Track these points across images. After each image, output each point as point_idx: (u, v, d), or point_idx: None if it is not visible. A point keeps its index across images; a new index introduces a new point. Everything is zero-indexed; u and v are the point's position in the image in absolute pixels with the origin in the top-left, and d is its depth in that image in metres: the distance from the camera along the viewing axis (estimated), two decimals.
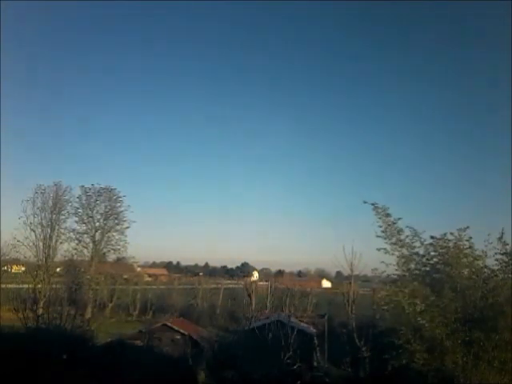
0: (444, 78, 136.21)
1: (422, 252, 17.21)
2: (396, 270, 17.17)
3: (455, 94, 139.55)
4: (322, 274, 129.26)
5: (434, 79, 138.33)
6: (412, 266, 17.17)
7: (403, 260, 16.98)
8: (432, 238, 17.10)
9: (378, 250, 16.89)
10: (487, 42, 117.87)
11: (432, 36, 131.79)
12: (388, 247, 17.01)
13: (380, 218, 17.31)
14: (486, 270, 16.53)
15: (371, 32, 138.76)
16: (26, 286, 53.34)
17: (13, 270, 59.38)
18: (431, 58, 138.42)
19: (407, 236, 17.05)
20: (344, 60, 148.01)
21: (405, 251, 16.91)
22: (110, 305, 59.80)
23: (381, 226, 17.31)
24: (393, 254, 16.96)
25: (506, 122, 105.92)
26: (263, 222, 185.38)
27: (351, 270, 27.98)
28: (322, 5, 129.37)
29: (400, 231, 17.05)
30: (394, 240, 17.00)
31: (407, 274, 17.17)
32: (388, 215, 17.30)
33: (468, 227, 16.59)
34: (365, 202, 17.87)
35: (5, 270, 53.12)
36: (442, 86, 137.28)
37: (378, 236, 17.03)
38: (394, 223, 17.19)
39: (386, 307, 17.77)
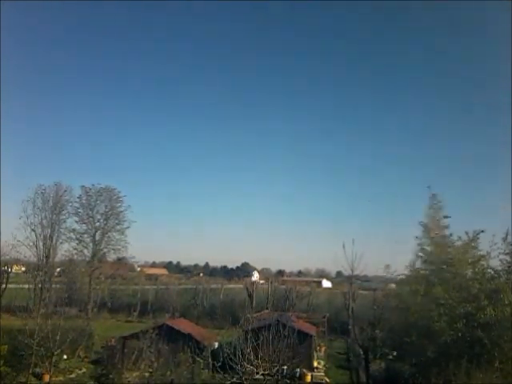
0: (444, 76, 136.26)
1: (429, 251, 17.30)
2: (421, 264, 17.13)
3: (454, 93, 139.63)
4: (322, 274, 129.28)
5: (433, 77, 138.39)
6: (419, 265, 17.26)
7: (431, 257, 16.97)
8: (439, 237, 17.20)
9: (415, 238, 16.94)
10: (487, 40, 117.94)
11: (432, 38, 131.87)
12: (426, 241, 17.01)
13: (431, 209, 17.32)
14: (489, 270, 16.58)
15: (370, 32, 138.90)
16: (26, 286, 53.60)
17: (13, 270, 59.27)
18: (430, 60, 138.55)
19: (450, 235, 17.04)
20: (341, 61, 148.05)
21: (438, 250, 16.90)
22: (110, 305, 59.78)
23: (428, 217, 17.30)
24: (426, 248, 16.97)
25: (506, 122, 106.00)
26: (263, 222, 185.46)
27: (351, 270, 27.83)
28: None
29: (446, 227, 17.05)
30: (434, 234, 17.03)
31: (413, 273, 17.24)
32: (439, 209, 17.33)
33: (483, 231, 16.63)
34: (428, 187, 17.72)
35: (5, 270, 52.92)
36: (441, 84, 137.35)
37: (420, 223, 17.03)
38: (441, 219, 17.19)
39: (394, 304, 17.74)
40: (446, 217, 17.45)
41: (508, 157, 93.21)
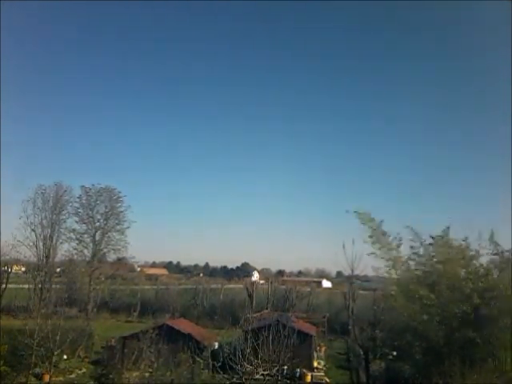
0: (444, 76, 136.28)
1: (421, 252, 17.27)
2: (388, 271, 17.18)
3: (453, 93, 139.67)
4: (322, 274, 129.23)
5: (433, 76, 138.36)
6: (412, 265, 17.22)
7: (391, 263, 16.97)
8: (432, 237, 17.20)
9: (368, 254, 16.94)
10: (488, 40, 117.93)
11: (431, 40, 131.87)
12: (377, 251, 17.02)
13: (364, 224, 17.28)
14: (481, 269, 16.61)
15: (370, 31, 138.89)
16: (26, 286, 53.61)
17: (13, 270, 59.23)
18: (430, 60, 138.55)
19: (395, 238, 17.04)
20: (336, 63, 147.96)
21: (394, 253, 16.93)
22: (110, 305, 59.76)
23: (367, 232, 17.32)
24: (382, 258, 16.96)
25: (506, 122, 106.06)
26: (263, 222, 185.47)
27: (351, 270, 27.82)
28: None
29: (384, 234, 17.03)
30: (381, 243, 17.02)
31: (405, 274, 17.22)
32: (372, 220, 17.29)
33: (448, 227, 16.66)
34: (347, 211, 17.83)
35: (5, 270, 52.91)
36: (441, 84, 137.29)
37: (365, 242, 17.04)
38: (379, 227, 17.18)
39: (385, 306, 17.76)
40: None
41: (508, 157, 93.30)
